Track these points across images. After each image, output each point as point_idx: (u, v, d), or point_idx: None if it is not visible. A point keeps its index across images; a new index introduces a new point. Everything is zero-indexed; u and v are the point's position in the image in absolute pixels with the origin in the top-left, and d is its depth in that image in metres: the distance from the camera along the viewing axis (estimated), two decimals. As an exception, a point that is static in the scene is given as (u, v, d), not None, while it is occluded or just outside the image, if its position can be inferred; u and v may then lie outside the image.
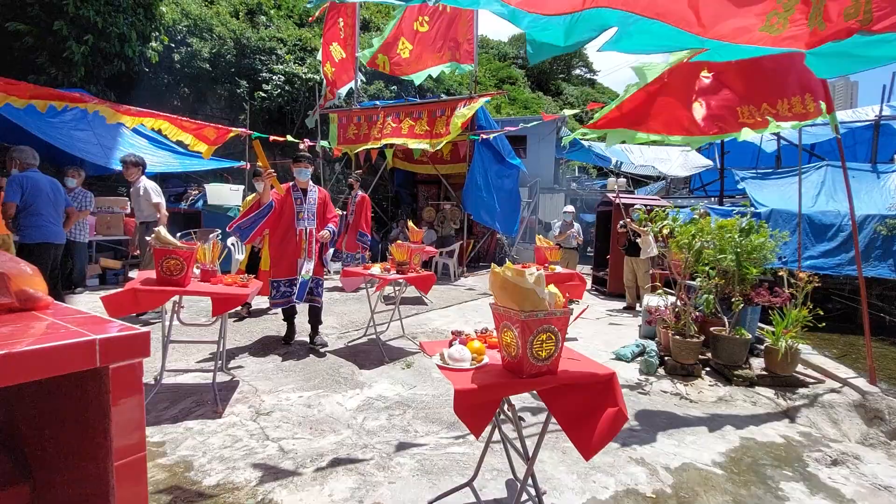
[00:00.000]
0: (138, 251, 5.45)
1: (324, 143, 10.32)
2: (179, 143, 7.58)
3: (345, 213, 7.51)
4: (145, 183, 5.18)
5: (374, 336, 4.65)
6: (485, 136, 9.18)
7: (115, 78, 9.26)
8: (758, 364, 4.20)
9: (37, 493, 1.20)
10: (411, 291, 6.81)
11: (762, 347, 4.29)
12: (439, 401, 3.37)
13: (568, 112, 5.87)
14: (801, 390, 3.83)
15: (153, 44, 9.73)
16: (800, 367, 4.14)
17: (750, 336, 4.15)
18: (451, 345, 1.90)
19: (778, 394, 3.77)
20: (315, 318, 4.39)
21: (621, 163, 15.93)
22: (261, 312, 5.65)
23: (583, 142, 17.95)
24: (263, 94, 12.32)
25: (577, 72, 42.25)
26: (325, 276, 4.58)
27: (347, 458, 2.53)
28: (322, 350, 4.32)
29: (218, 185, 9.89)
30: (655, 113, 4.18)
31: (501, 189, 10.19)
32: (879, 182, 10.29)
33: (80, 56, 7.97)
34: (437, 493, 2.21)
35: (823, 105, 3.61)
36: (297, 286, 4.07)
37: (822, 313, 4.02)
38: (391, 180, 13.47)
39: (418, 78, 9.78)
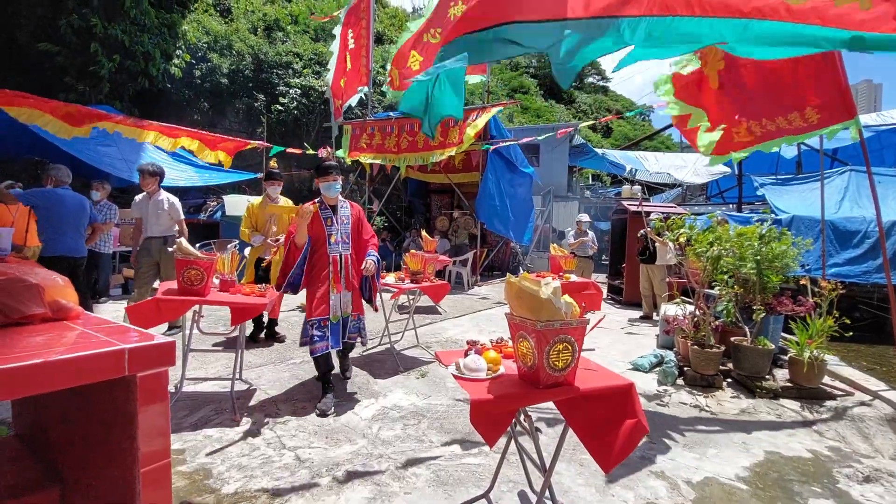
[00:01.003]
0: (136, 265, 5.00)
1: (338, 152, 10.47)
2: (194, 153, 7.76)
3: None
4: (168, 196, 5.01)
5: (388, 345, 4.67)
6: (497, 146, 9.21)
7: (140, 94, 9.57)
8: (782, 375, 4.09)
9: (66, 498, 1.24)
10: (425, 300, 6.81)
11: (786, 358, 4.18)
12: (454, 411, 3.36)
13: (583, 125, 5.86)
14: (829, 403, 3.71)
15: (176, 61, 10.05)
16: (827, 379, 4.01)
17: (773, 346, 4.05)
18: (466, 354, 1.90)
19: (804, 406, 3.65)
20: (345, 352, 3.68)
21: (636, 170, 15.81)
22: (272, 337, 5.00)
23: (596, 149, 17.85)
24: (280, 108, 12.59)
25: (590, 80, 42.24)
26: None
27: (363, 467, 2.53)
28: (348, 375, 3.78)
29: (236, 196, 10.10)
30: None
31: (514, 198, 10.19)
32: (907, 187, 10.01)
33: (106, 71, 8.27)
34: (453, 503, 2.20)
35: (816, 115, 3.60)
36: (330, 328, 3.21)
37: (848, 322, 3.91)
38: (404, 190, 13.58)
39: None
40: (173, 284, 3.06)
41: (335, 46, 9.91)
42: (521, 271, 1.83)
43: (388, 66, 10.11)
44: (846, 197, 9.96)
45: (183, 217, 5.08)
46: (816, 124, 3.88)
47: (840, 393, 3.82)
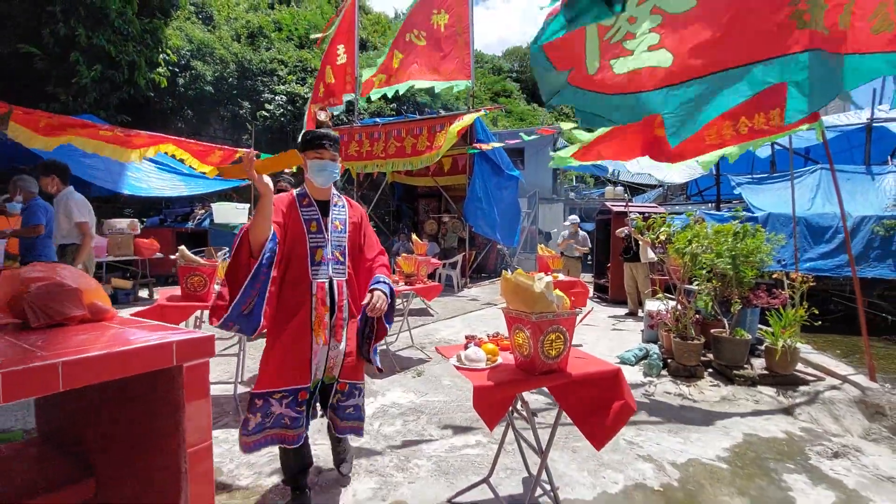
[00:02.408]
0: None
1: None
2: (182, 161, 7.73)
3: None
4: (70, 195, 4.19)
5: (384, 346, 4.78)
6: (483, 149, 9.40)
7: (124, 103, 9.52)
8: (759, 364, 4.31)
9: (101, 488, 1.34)
10: (416, 303, 6.94)
11: (762, 348, 4.41)
12: (451, 406, 3.49)
13: (565, 126, 6.07)
14: (802, 388, 3.94)
15: (160, 69, 10.03)
16: (800, 366, 4.25)
17: (750, 337, 4.28)
18: (466, 347, 2.04)
19: (779, 392, 3.88)
20: (342, 442, 2.47)
21: (618, 171, 16.17)
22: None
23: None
24: (266, 114, 12.61)
25: (572, 83, 42.80)
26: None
27: (367, 461, 2.65)
28: (345, 471, 2.48)
29: (225, 204, 10.10)
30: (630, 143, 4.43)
31: (501, 200, 10.40)
32: (874, 183, 10.48)
33: (87, 81, 8.23)
34: (454, 490, 2.33)
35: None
36: (304, 405, 2.01)
37: (816, 312, 4.15)
38: (392, 195, 13.70)
39: (403, 87, 9.92)
40: (175, 291, 3.14)
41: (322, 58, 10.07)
42: (518, 269, 1.96)
43: (371, 73, 10.20)
44: (818, 194, 10.38)
45: (85, 219, 4.18)
46: (784, 126, 4.13)
47: (812, 378, 4.06)
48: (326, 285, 2.05)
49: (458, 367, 1.92)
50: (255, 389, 1.96)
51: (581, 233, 8.32)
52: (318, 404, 2.17)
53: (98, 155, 8.00)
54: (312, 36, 13.82)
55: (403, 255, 5.08)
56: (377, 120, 10.71)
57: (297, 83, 13.46)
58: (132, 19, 8.74)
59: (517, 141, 10.44)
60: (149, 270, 7.99)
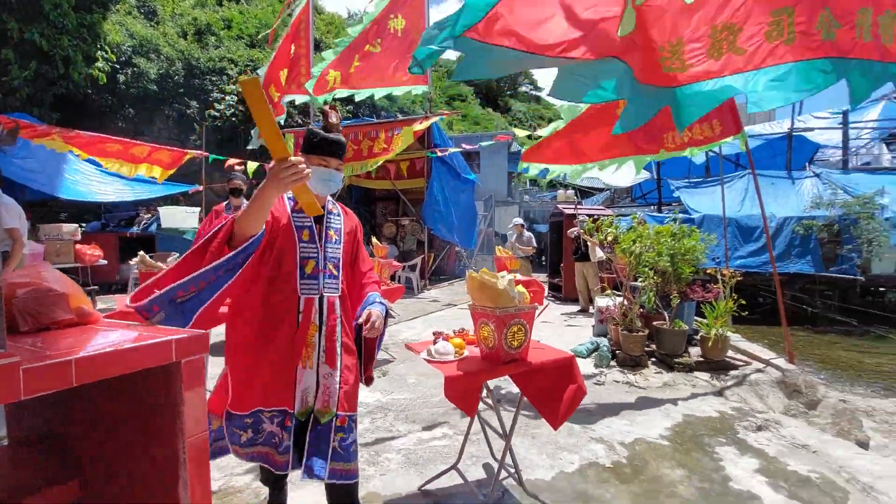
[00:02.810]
0: None
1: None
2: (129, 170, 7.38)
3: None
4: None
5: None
6: (441, 153, 9.59)
7: (60, 100, 8.95)
8: (695, 352, 4.74)
9: (88, 487, 1.38)
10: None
11: (698, 337, 4.85)
12: (417, 403, 3.62)
13: (520, 133, 6.36)
14: (733, 372, 4.38)
15: (99, 64, 9.50)
16: (731, 353, 4.71)
17: (687, 328, 4.70)
18: (435, 342, 2.19)
19: (713, 376, 4.29)
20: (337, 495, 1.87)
21: (568, 175, 16.86)
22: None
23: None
24: (216, 114, 12.20)
25: (523, 88, 44.10)
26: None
27: (338, 458, 2.73)
28: None
29: (172, 207, 9.71)
30: (591, 143, 4.75)
31: (458, 203, 10.63)
32: (795, 187, 11.61)
33: (20, 81, 7.69)
34: (425, 478, 2.46)
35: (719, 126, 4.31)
36: (291, 432, 1.76)
37: (744, 303, 4.63)
38: (349, 198, 13.63)
39: (361, 94, 9.93)
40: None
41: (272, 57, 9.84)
42: (483, 269, 2.10)
43: (323, 69, 10.06)
44: (746, 197, 11.33)
45: (15, 225, 3.81)
46: (719, 135, 4.59)
47: (741, 363, 4.52)
48: (317, 303, 1.80)
49: (428, 361, 2.06)
50: (242, 409, 1.74)
51: (525, 234, 8.67)
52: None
53: (34, 158, 7.54)
54: (262, 34, 13.55)
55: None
56: (334, 122, 10.64)
57: (248, 83, 13.11)
58: (68, 12, 8.24)
59: (473, 147, 10.73)
60: (90, 278, 7.56)
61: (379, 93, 9.75)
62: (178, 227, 9.01)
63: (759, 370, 4.39)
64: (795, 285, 10.54)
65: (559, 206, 10.14)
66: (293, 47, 10.19)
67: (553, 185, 21.97)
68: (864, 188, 10.26)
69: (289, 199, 1.85)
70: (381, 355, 4.86)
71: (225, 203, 4.67)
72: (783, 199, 11.22)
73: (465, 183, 11.13)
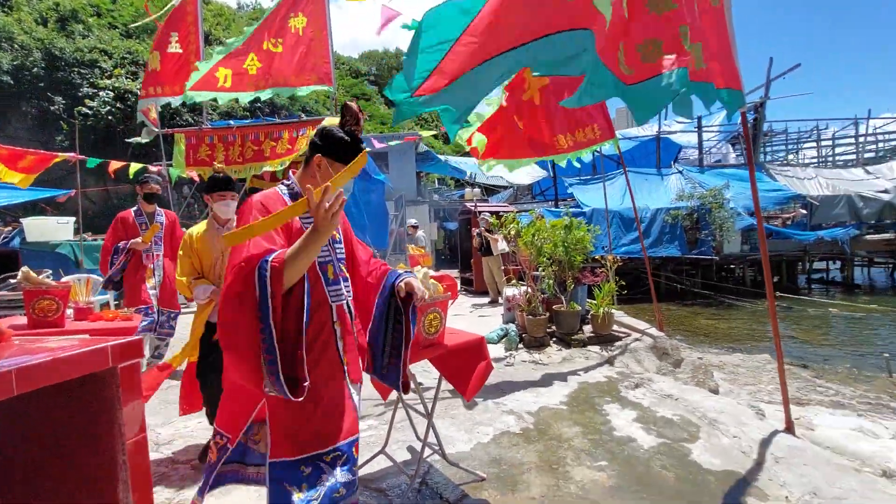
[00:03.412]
0: None
1: (173, 170, 9.53)
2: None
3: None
4: None
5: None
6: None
7: None
8: (588, 329, 5.41)
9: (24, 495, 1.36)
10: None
11: (589, 316, 5.52)
12: (341, 400, 3.72)
13: (426, 133, 6.64)
14: (617, 343, 5.08)
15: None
16: (616, 327, 5.44)
17: (580, 308, 5.34)
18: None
19: (603, 348, 4.95)
20: None
21: (475, 174, 17.68)
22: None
23: (439, 156, 19.37)
24: (88, 111, 10.88)
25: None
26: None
27: (265, 460, 2.77)
28: None
29: (38, 218, 8.53)
30: (525, 140, 5.11)
31: (369, 204, 10.68)
32: (664, 182, 13.41)
33: None
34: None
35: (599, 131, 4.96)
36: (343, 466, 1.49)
37: (623, 283, 5.37)
38: (252, 201, 12.95)
39: (264, 94, 9.56)
40: (20, 320, 2.79)
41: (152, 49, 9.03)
42: (400, 264, 2.26)
43: (211, 66, 9.44)
44: (626, 192, 12.86)
45: None
46: (599, 138, 5.24)
47: (624, 335, 5.25)
48: (345, 307, 1.65)
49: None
50: (296, 455, 1.44)
51: (418, 233, 9.10)
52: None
53: None
54: (132, 25, 12.29)
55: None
56: (231, 122, 10.06)
57: (127, 78, 11.83)
58: None
59: (384, 146, 10.84)
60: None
61: (284, 93, 9.44)
62: (48, 241, 7.93)
63: (637, 339, 5.15)
64: (668, 267, 12.23)
65: (466, 203, 10.67)
66: (174, 35, 9.39)
67: (461, 183, 22.78)
68: (714, 182, 12.20)
69: (288, 196, 1.63)
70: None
71: (133, 209, 4.27)
72: (655, 192, 12.93)
73: (375, 183, 11.20)
